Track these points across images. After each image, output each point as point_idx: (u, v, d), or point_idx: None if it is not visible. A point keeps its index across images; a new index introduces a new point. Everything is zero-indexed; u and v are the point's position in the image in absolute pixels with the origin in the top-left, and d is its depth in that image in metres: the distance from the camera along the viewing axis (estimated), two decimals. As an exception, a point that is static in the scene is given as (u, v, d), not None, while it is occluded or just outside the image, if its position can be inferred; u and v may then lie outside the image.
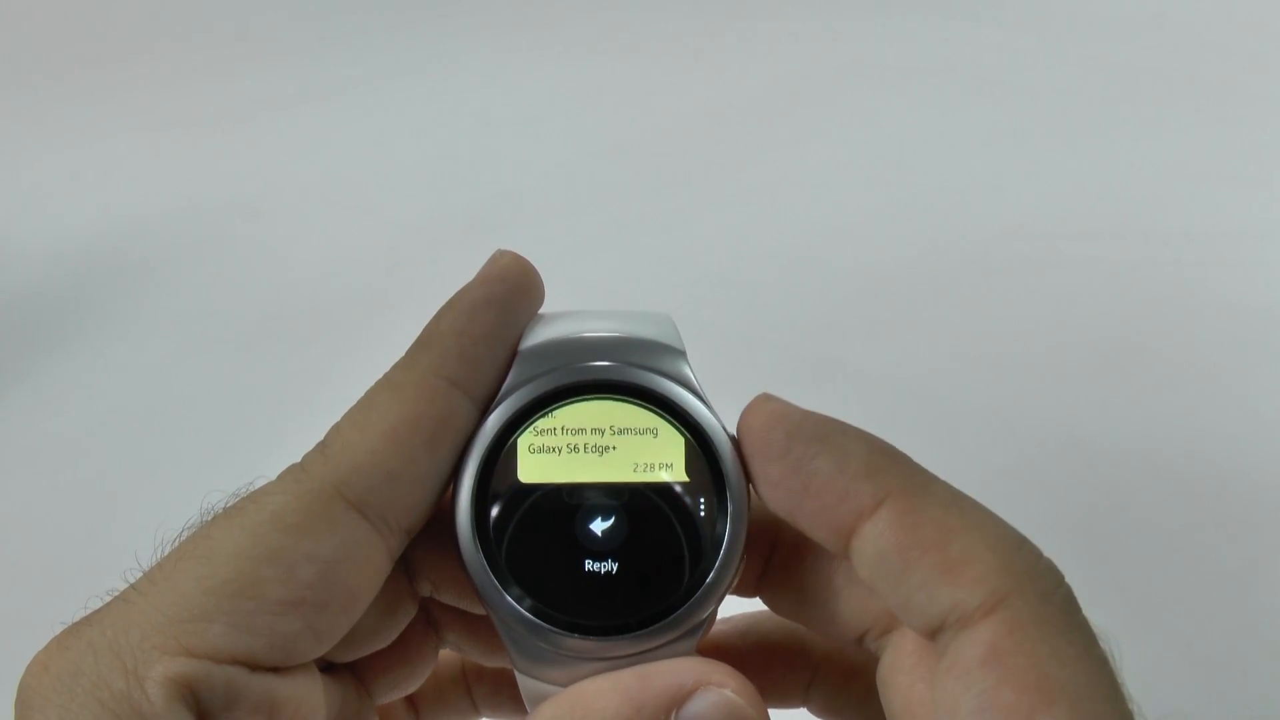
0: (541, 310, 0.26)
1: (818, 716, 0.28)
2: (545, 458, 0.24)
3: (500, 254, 0.25)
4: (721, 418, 0.24)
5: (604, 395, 0.24)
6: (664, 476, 0.24)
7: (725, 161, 0.86)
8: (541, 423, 0.24)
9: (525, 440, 0.24)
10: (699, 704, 0.22)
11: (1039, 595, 0.20)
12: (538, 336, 0.25)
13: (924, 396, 0.61)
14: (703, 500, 0.24)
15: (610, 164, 0.86)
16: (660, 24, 1.08)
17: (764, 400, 0.23)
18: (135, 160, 0.91)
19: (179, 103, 0.99)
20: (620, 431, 0.24)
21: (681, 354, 0.25)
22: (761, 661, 0.27)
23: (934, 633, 0.21)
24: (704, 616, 0.24)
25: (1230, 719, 0.44)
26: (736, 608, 0.27)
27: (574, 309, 0.26)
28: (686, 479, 0.24)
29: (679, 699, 0.22)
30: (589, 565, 0.24)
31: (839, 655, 0.27)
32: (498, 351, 0.24)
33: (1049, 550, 0.22)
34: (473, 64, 1.04)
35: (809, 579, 0.25)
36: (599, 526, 0.24)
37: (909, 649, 0.22)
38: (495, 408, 0.24)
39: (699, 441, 0.24)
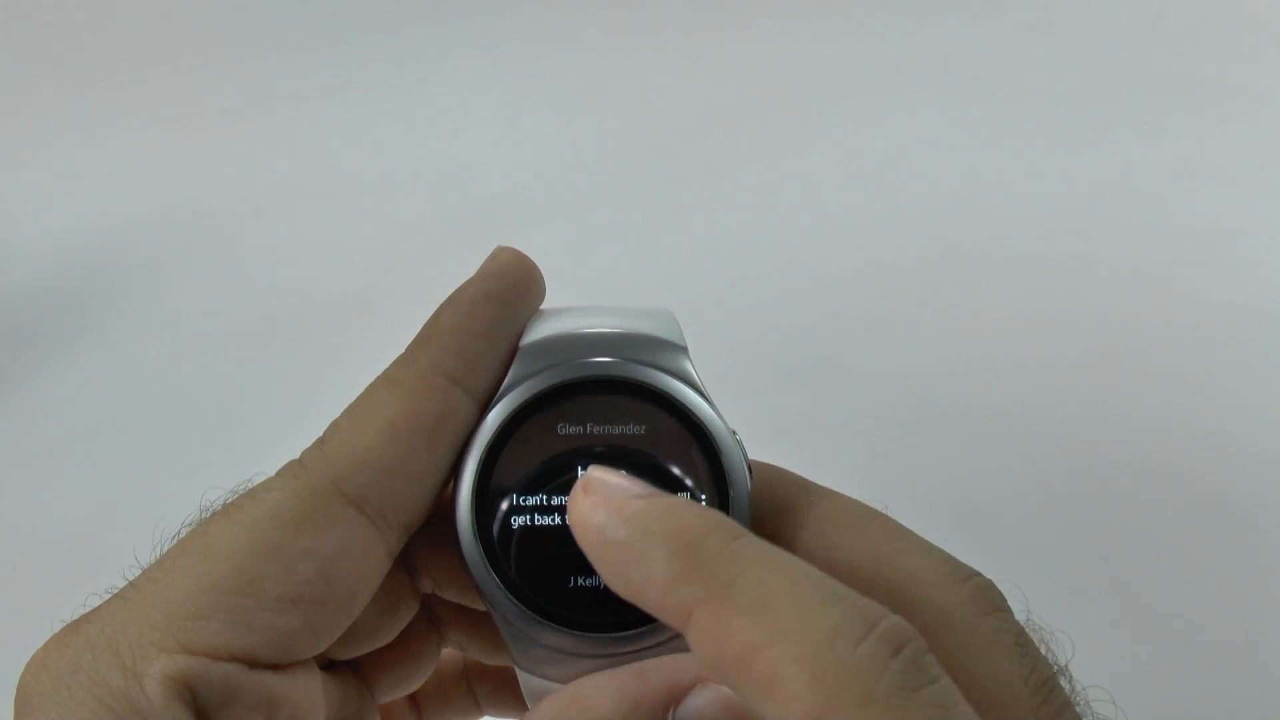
0: (542, 306, 0.26)
1: None
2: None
3: (500, 250, 0.25)
4: (723, 414, 0.24)
5: (605, 391, 0.24)
6: (665, 473, 0.24)
7: (725, 161, 0.86)
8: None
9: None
10: (697, 700, 0.22)
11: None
12: (538, 332, 0.25)
13: (924, 396, 0.61)
14: (704, 497, 0.24)
15: (610, 164, 0.86)
16: (660, 24, 1.09)
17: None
18: (135, 160, 0.91)
19: (180, 103, 0.99)
20: (621, 429, 0.24)
21: (683, 350, 0.25)
22: None
23: None
24: None
25: (1230, 719, 0.44)
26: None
27: (575, 305, 0.26)
28: (688, 475, 0.24)
29: (677, 695, 0.22)
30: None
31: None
32: (497, 348, 0.24)
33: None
34: (473, 64, 1.04)
35: None
36: None
37: None
38: (495, 404, 0.24)
39: (700, 438, 0.24)
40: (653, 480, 0.24)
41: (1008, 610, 0.21)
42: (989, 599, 0.21)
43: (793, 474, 0.22)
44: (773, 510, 0.21)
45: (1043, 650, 0.22)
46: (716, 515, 0.20)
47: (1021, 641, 0.21)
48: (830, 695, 0.17)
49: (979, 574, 0.22)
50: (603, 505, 0.20)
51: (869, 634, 0.18)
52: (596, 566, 0.21)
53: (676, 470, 0.24)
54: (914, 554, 0.21)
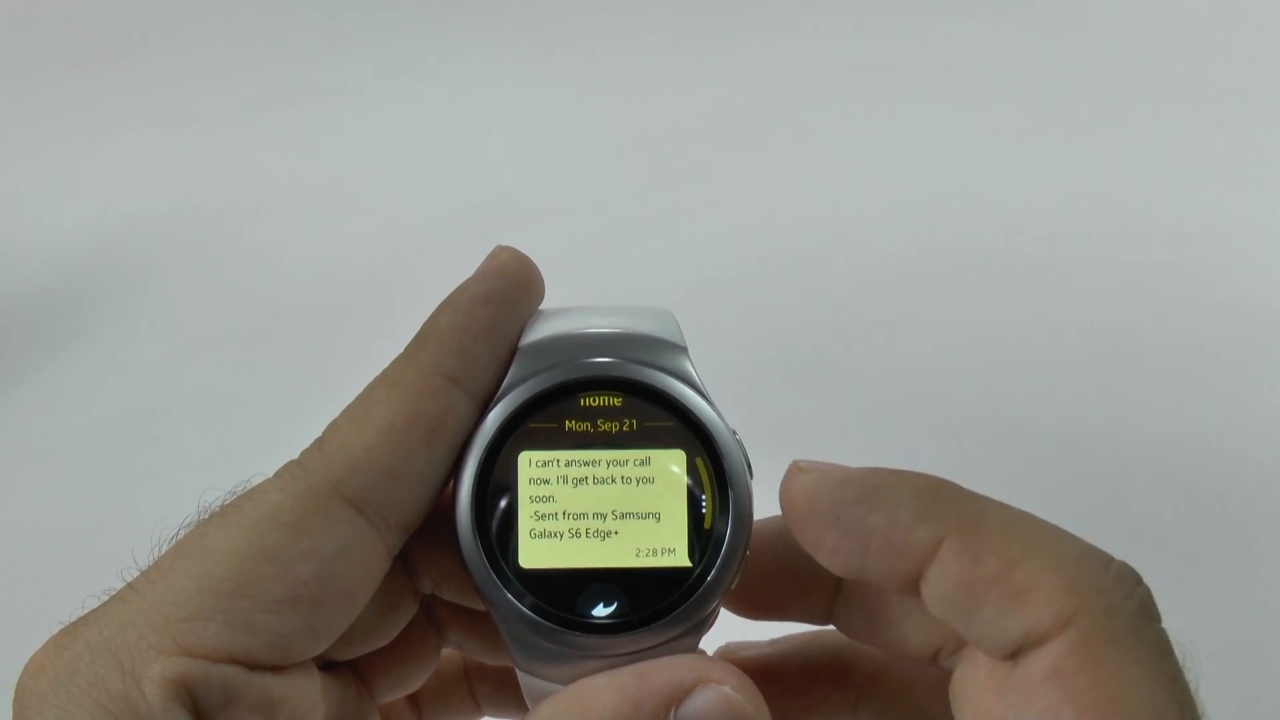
0: (542, 306, 0.26)
1: None
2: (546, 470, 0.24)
3: (500, 249, 0.25)
4: (723, 414, 0.24)
5: (605, 391, 0.24)
6: (666, 480, 0.24)
7: (725, 161, 0.86)
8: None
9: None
10: (698, 701, 0.22)
11: (1105, 611, 0.20)
12: (538, 332, 0.25)
13: (924, 396, 0.61)
14: (704, 497, 0.24)
15: (610, 164, 0.86)
16: (660, 24, 1.08)
17: (799, 471, 0.23)
18: (135, 160, 0.91)
19: (179, 103, 0.99)
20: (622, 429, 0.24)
21: (683, 350, 0.25)
22: (806, 683, 0.27)
23: (1012, 657, 0.21)
24: (705, 614, 0.24)
25: (1230, 719, 0.44)
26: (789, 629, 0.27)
27: (575, 305, 0.26)
28: (688, 475, 0.24)
29: (678, 696, 0.22)
30: (590, 563, 0.24)
31: (884, 675, 0.27)
32: (497, 348, 0.24)
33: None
34: (473, 64, 1.04)
35: (880, 604, 0.25)
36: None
37: (981, 663, 0.22)
38: (496, 404, 0.24)
39: (701, 438, 0.24)
40: (652, 479, 0.24)
41: (1159, 620, 0.21)
42: (1150, 611, 0.21)
43: (947, 483, 0.22)
44: (930, 528, 0.21)
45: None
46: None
47: (1172, 654, 0.21)
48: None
49: (1139, 578, 0.21)
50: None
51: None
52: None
53: (676, 470, 0.24)
54: (1076, 562, 0.21)
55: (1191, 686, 0.20)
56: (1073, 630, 0.19)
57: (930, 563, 0.21)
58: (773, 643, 0.27)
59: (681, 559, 0.24)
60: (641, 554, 0.24)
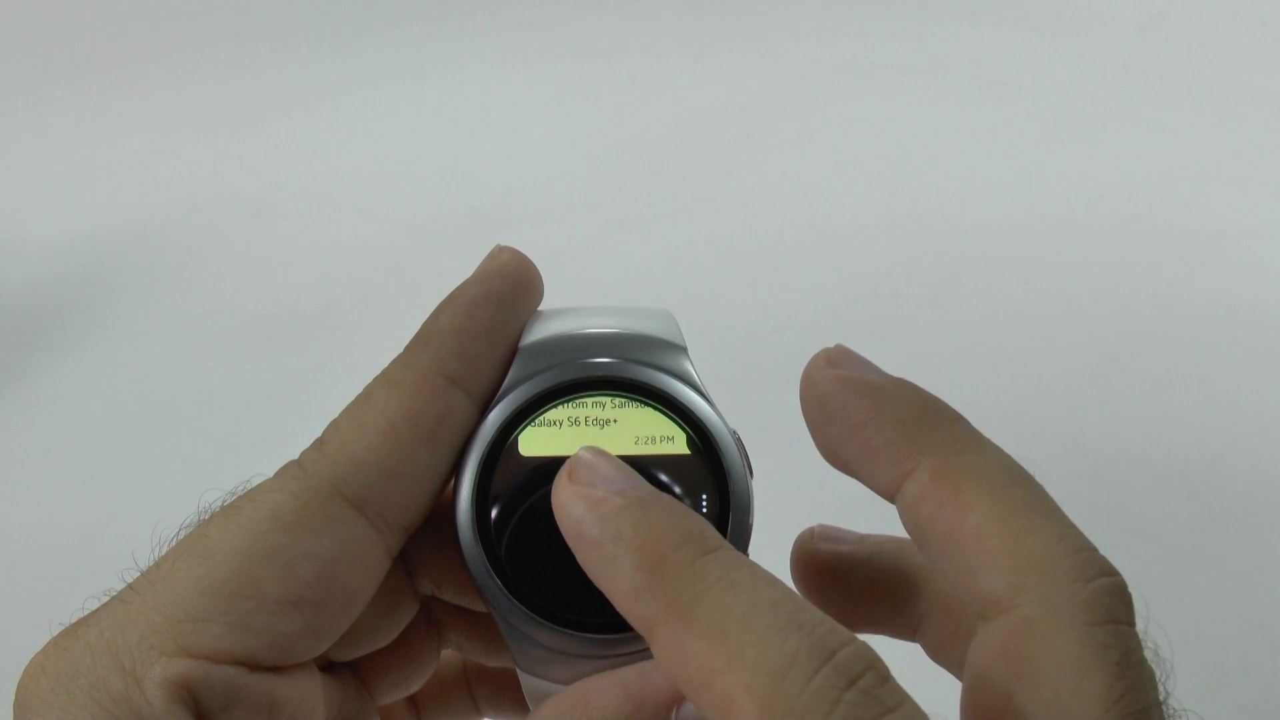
0: (541, 307, 0.26)
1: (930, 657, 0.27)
2: (548, 430, 0.24)
3: (499, 250, 0.25)
4: (723, 414, 0.24)
5: (605, 391, 0.24)
6: (666, 449, 0.24)
7: (724, 161, 0.86)
8: (544, 416, 0.24)
9: (526, 433, 0.24)
10: None
11: (1064, 597, 0.19)
12: (538, 333, 0.25)
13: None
14: (704, 496, 0.24)
15: (609, 164, 0.86)
16: (660, 25, 1.08)
17: (823, 358, 0.23)
18: (136, 160, 0.91)
19: (179, 103, 0.99)
20: (620, 409, 0.24)
21: (683, 350, 0.25)
22: (872, 593, 0.26)
23: (966, 608, 0.20)
24: None
25: (1230, 719, 0.44)
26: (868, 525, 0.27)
27: (574, 305, 0.26)
28: (688, 475, 0.24)
29: (680, 695, 0.22)
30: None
31: (942, 615, 0.25)
32: (496, 348, 0.24)
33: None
34: (473, 64, 1.04)
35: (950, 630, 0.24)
36: None
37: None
38: (495, 405, 0.24)
39: (701, 437, 0.24)
40: (651, 482, 0.24)
41: (1126, 623, 0.20)
42: (1106, 607, 0.19)
43: (948, 410, 0.22)
44: (913, 448, 0.21)
45: (1158, 675, 0.20)
46: (690, 525, 0.20)
47: (1125, 662, 0.19)
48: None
49: (1111, 573, 0.20)
50: (581, 499, 0.21)
51: (824, 665, 0.17)
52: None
53: (676, 470, 0.24)
54: (1043, 537, 0.20)
55: (1159, 680, 0.20)
56: (1021, 609, 0.19)
57: (907, 480, 0.21)
58: (858, 540, 0.26)
59: (680, 448, 0.24)
60: (640, 442, 0.24)
